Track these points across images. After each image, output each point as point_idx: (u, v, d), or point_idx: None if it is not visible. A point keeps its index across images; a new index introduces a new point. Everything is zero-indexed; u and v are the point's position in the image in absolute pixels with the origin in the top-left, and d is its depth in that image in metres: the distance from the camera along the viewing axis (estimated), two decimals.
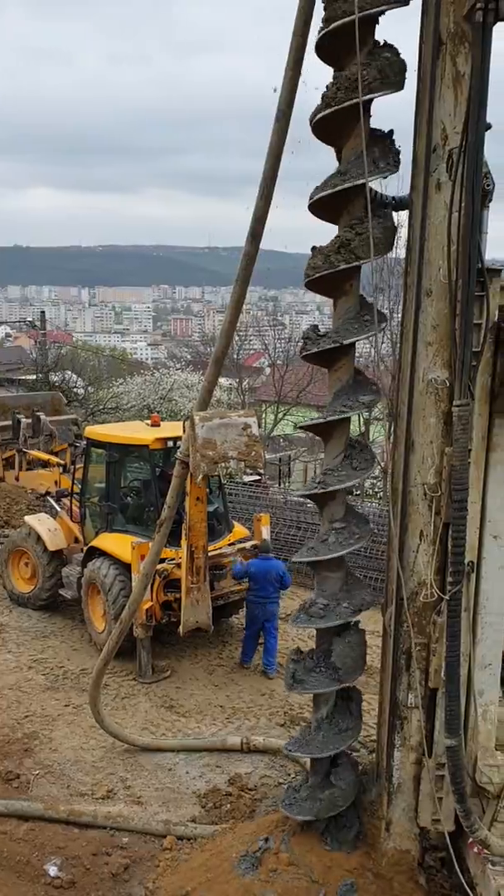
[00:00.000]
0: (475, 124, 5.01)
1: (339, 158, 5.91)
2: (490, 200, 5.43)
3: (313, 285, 5.98)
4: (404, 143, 5.68)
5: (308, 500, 20.49)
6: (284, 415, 32.41)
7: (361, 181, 5.51)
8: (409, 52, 5.45)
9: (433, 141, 5.35)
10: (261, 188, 6.41)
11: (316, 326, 6.19)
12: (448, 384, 5.55)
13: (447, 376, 5.55)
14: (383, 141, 5.66)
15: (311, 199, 5.78)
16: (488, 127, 5.15)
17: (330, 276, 5.76)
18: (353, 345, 5.95)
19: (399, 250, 22.98)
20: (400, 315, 6.12)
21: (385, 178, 5.68)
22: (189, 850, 7.41)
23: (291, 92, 6.18)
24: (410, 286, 5.67)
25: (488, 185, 5.34)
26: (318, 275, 5.77)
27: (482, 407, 5.56)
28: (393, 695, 6.06)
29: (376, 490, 24.25)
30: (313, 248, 5.84)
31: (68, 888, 7.03)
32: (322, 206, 5.86)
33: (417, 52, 5.49)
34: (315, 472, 30.61)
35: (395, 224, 5.88)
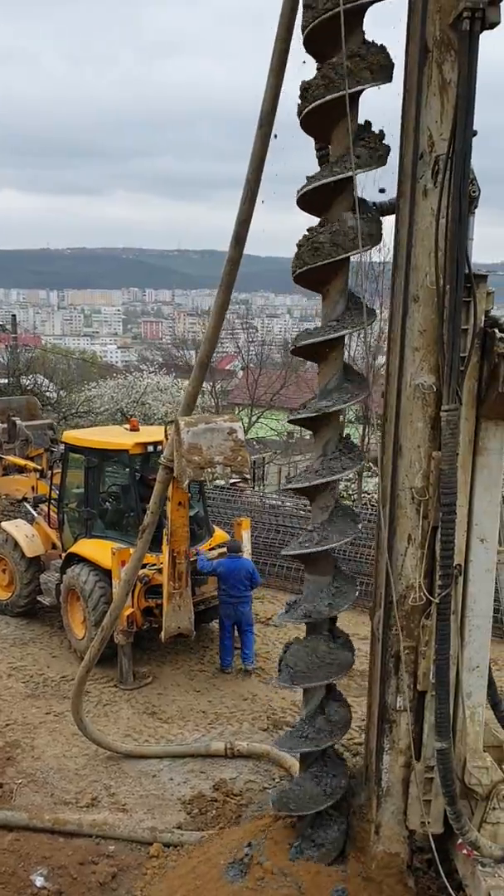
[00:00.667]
0: (462, 132, 5.04)
1: (319, 158, 5.92)
2: (476, 206, 5.47)
3: (301, 279, 5.94)
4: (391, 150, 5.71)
5: (284, 503, 20.55)
6: (258, 418, 32.46)
7: (349, 174, 5.49)
8: (396, 60, 5.49)
9: (420, 147, 5.38)
10: (244, 192, 6.41)
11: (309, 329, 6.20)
12: (435, 389, 5.58)
13: (434, 381, 5.58)
14: (372, 135, 5.65)
15: (298, 193, 5.78)
16: (474, 133, 5.19)
17: (317, 269, 5.73)
18: (342, 338, 5.94)
19: (373, 255, 23.21)
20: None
21: (372, 170, 5.63)
22: (176, 857, 7.38)
23: (274, 98, 6.19)
24: (397, 292, 5.70)
25: (474, 192, 5.38)
26: (327, 261, 5.72)
27: (469, 411, 5.61)
28: (381, 698, 6.08)
29: (350, 493, 24.36)
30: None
31: None
32: (309, 202, 5.86)
33: (404, 59, 5.53)
34: (289, 474, 30.70)
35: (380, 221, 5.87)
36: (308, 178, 5.76)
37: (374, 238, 5.75)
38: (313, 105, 5.51)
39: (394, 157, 5.71)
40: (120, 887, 7.11)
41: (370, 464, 25.79)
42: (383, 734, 6.07)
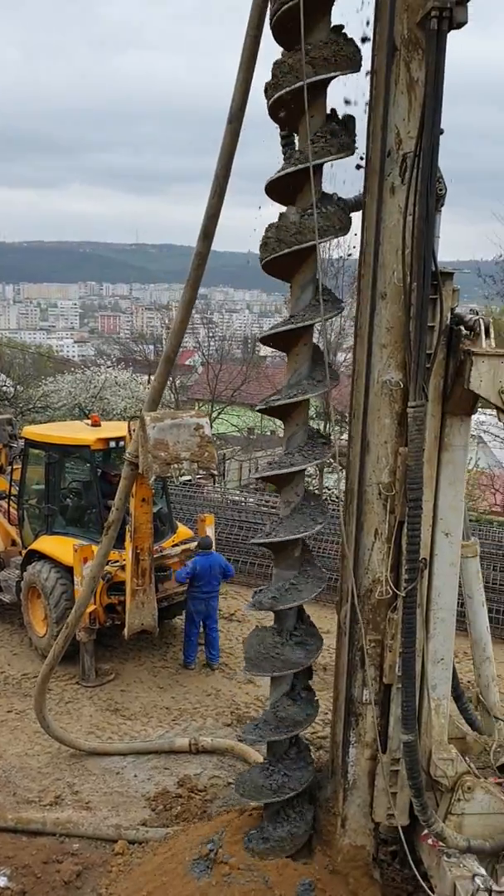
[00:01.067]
0: (430, 130, 5.09)
1: (284, 146, 5.91)
2: (442, 204, 5.53)
3: (269, 268, 5.93)
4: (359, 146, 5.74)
5: (246, 500, 20.57)
6: (219, 414, 32.40)
7: (308, 164, 5.50)
8: (363, 58, 5.51)
9: (387, 145, 5.41)
10: (213, 187, 6.38)
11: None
12: (402, 385, 5.64)
13: (401, 378, 5.63)
14: (340, 124, 5.66)
15: (267, 183, 5.78)
16: (441, 132, 5.24)
17: (289, 255, 5.73)
18: (310, 327, 5.95)
19: (334, 251, 23.29)
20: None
21: (338, 159, 5.63)
22: (141, 854, 7.35)
23: (244, 93, 6.17)
24: (365, 289, 5.73)
25: (441, 190, 5.43)
26: (271, 256, 5.73)
27: (435, 407, 5.67)
28: (348, 692, 6.12)
29: (311, 488, 24.45)
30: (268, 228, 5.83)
31: None
32: (277, 192, 5.87)
33: (371, 57, 5.55)
34: (250, 472, 30.72)
35: (343, 210, 5.86)
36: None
37: (336, 230, 5.73)
38: (278, 95, 5.51)
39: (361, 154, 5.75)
40: (85, 885, 7.06)
41: (331, 459, 25.99)
42: (349, 727, 6.12)
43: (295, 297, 6.00)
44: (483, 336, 5.42)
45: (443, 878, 5.57)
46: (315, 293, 5.91)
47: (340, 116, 5.73)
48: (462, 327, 5.56)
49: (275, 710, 6.41)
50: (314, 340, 6.20)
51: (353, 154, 5.65)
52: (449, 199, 5.80)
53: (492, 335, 5.43)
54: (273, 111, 5.74)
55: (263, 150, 6.10)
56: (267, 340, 6.21)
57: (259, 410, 6.32)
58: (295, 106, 5.55)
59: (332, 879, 6.14)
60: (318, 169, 5.65)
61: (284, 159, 5.75)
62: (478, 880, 5.22)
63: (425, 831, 5.70)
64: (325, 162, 5.62)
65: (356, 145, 5.67)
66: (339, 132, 5.60)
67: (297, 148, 5.78)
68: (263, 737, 6.37)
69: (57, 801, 8.32)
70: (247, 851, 6.29)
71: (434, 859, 5.79)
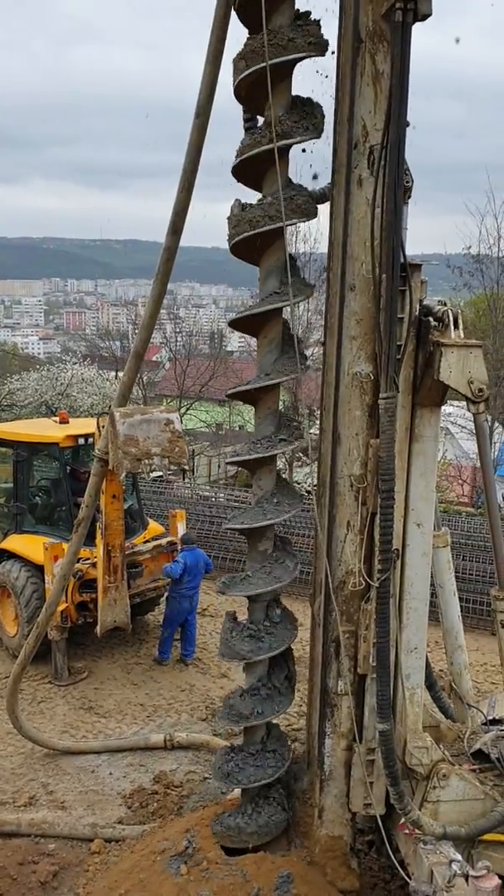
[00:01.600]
0: (396, 122, 5.10)
1: (246, 129, 5.87)
2: (410, 196, 5.55)
3: (237, 250, 5.90)
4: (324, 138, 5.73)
5: (217, 495, 20.54)
6: (187, 409, 32.32)
7: (271, 146, 5.46)
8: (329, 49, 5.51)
9: (354, 137, 5.41)
10: (181, 182, 6.34)
11: None
12: (372, 377, 5.65)
13: (371, 370, 5.65)
14: (306, 105, 5.63)
15: (233, 166, 5.76)
16: (407, 125, 5.25)
17: (253, 238, 5.70)
18: (279, 311, 5.91)
19: (300, 244, 23.31)
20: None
21: (305, 141, 5.58)
22: (118, 852, 7.32)
23: (210, 87, 6.13)
24: (334, 281, 5.73)
25: (408, 182, 5.45)
26: (240, 237, 5.70)
27: (405, 399, 5.70)
28: (323, 683, 6.14)
29: None
30: (235, 205, 5.79)
31: None
32: (243, 174, 5.84)
33: (336, 48, 5.55)
34: (219, 468, 30.68)
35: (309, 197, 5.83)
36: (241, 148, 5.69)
37: (301, 215, 5.68)
38: (242, 76, 5.48)
39: (328, 147, 5.75)
40: (62, 885, 7.02)
41: (300, 454, 26.03)
42: (325, 718, 6.14)
43: (262, 280, 5.96)
44: (452, 327, 5.46)
45: (420, 864, 5.62)
46: (282, 278, 5.86)
47: (309, 100, 5.69)
48: (431, 318, 5.60)
49: (230, 701, 6.41)
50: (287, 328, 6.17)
51: (318, 137, 5.61)
52: (415, 193, 5.83)
53: (460, 326, 5.47)
54: (238, 92, 5.69)
55: (231, 145, 6.06)
56: (236, 324, 6.17)
57: (228, 395, 6.28)
58: (259, 88, 5.49)
59: (309, 870, 6.16)
60: (284, 152, 5.59)
61: (246, 139, 5.67)
62: (454, 866, 5.26)
63: (402, 820, 5.74)
64: (291, 144, 5.56)
65: (321, 131, 5.62)
66: (303, 116, 5.55)
67: (260, 127, 5.71)
68: (217, 724, 6.32)
69: (31, 801, 8.25)
70: (214, 837, 6.27)
71: (411, 847, 5.84)
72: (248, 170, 5.79)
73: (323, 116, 5.65)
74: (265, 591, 6.14)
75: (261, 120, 5.84)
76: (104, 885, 6.77)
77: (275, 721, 6.62)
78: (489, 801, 5.86)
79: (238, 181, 5.88)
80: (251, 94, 5.68)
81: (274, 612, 6.39)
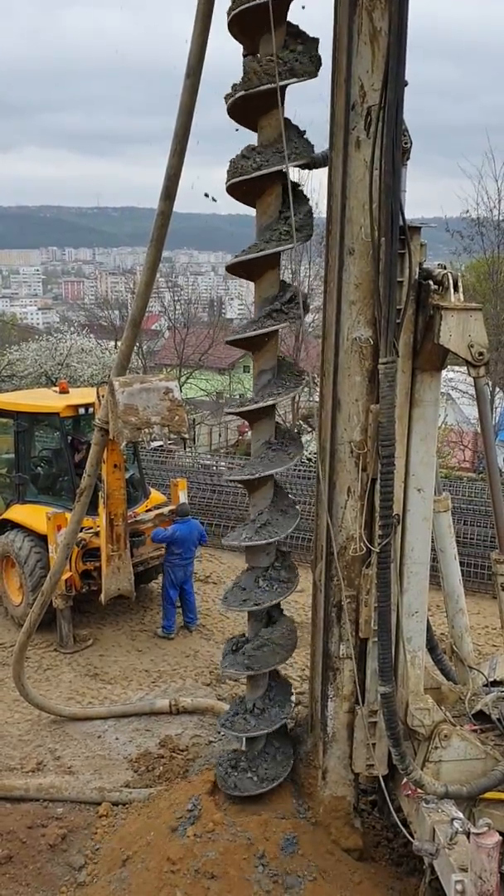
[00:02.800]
0: (394, 81, 5.02)
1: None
2: (408, 158, 5.48)
3: (234, 191, 5.82)
4: (321, 101, 5.64)
5: (218, 463, 20.56)
6: (187, 378, 32.25)
7: (274, 85, 5.36)
8: (326, 8, 5.40)
9: (351, 98, 5.33)
10: (173, 146, 6.26)
11: None
12: (372, 342, 5.62)
13: (371, 334, 5.62)
14: (302, 40, 5.52)
15: (226, 99, 5.63)
16: (405, 84, 5.17)
17: (251, 181, 5.63)
18: (276, 255, 5.85)
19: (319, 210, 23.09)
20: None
21: (303, 80, 5.48)
22: (125, 815, 7.45)
23: (201, 46, 6.02)
24: (332, 245, 5.68)
25: (406, 143, 5.38)
26: (238, 179, 5.63)
27: (405, 363, 5.67)
28: (325, 647, 6.20)
29: None
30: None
31: (5, 863, 6.96)
32: (240, 114, 5.74)
33: (333, 7, 5.43)
34: (220, 436, 30.66)
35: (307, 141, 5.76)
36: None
37: (300, 156, 5.63)
38: (239, 9, 5.37)
39: (326, 108, 5.66)
40: (71, 848, 7.14)
41: (300, 421, 26.02)
42: (327, 682, 6.21)
43: (259, 223, 5.88)
44: (452, 290, 5.42)
45: (422, 823, 5.72)
46: (277, 224, 5.78)
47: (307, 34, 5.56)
48: (431, 282, 5.55)
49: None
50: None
51: (315, 77, 5.50)
52: (413, 156, 5.75)
53: (460, 289, 5.43)
54: (232, 29, 5.57)
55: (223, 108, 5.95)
56: (233, 268, 6.10)
57: (227, 341, 6.22)
58: (253, 25, 5.39)
59: (314, 830, 6.27)
60: (281, 93, 5.47)
61: (243, 80, 5.54)
62: (456, 824, 5.35)
63: (404, 780, 5.82)
64: (290, 84, 5.46)
65: (319, 67, 5.51)
66: (300, 55, 5.44)
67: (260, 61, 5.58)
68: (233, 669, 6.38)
69: (39, 767, 8.37)
70: (219, 786, 6.40)
71: (413, 806, 5.94)
72: (244, 111, 5.67)
73: (319, 58, 5.52)
74: (291, 530, 6.19)
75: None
76: (112, 847, 6.90)
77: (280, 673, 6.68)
78: (490, 761, 5.94)
79: (235, 120, 5.77)
80: (245, 31, 5.54)
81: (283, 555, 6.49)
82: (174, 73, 6.01)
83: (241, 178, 5.62)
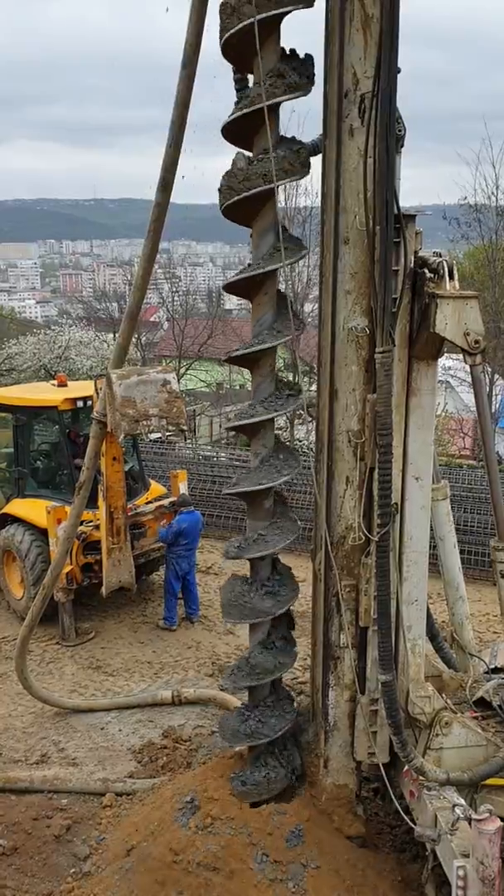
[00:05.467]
0: (387, 68, 4.99)
1: (238, 88, 5.72)
2: (402, 145, 5.45)
3: (229, 211, 5.79)
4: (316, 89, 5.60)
5: (218, 455, 20.56)
6: (187, 370, 32.19)
7: (264, 104, 5.32)
8: None
9: (344, 86, 5.31)
10: (170, 136, 6.25)
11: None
12: (368, 332, 5.61)
13: (367, 324, 5.60)
14: (295, 61, 5.50)
15: (223, 126, 5.63)
16: (398, 71, 5.14)
17: (244, 201, 5.60)
18: (274, 272, 5.84)
19: (301, 198, 22.97)
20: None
21: (296, 98, 5.47)
22: (129, 805, 7.49)
23: (196, 37, 6.00)
24: (327, 234, 5.66)
25: (400, 131, 5.34)
26: (233, 200, 5.60)
27: (402, 353, 5.66)
28: (325, 637, 6.21)
29: (283, 439, 24.48)
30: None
31: (11, 854, 7.00)
32: (233, 135, 5.72)
33: None
34: (221, 427, 30.62)
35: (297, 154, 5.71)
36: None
37: (287, 174, 5.58)
38: (230, 32, 5.34)
39: (318, 96, 5.63)
40: (75, 838, 7.19)
41: (301, 411, 26.01)
42: (328, 671, 6.22)
43: (255, 243, 5.89)
44: (447, 278, 5.41)
45: (424, 810, 5.74)
46: (276, 239, 5.80)
47: (300, 55, 5.56)
48: (426, 270, 5.54)
49: (247, 658, 6.46)
50: (281, 288, 6.10)
51: (307, 94, 5.50)
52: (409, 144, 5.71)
53: (456, 277, 5.41)
54: (225, 52, 5.57)
55: (221, 101, 5.92)
56: (230, 288, 6.12)
57: (224, 360, 6.23)
58: (245, 46, 5.38)
59: (317, 818, 6.29)
60: (273, 110, 5.49)
61: (237, 101, 5.58)
62: (458, 810, 5.37)
63: (406, 767, 5.84)
64: (278, 102, 5.44)
65: (312, 85, 5.51)
66: (290, 72, 5.42)
67: (250, 89, 5.61)
68: (236, 683, 6.41)
69: (43, 759, 8.42)
70: (230, 791, 6.38)
71: (415, 793, 5.96)
72: (239, 130, 5.67)
73: (313, 73, 5.51)
74: (282, 546, 6.14)
75: (251, 79, 5.71)
76: (117, 837, 6.93)
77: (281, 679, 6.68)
78: (491, 748, 5.96)
79: (229, 141, 5.76)
80: (238, 50, 5.54)
81: (277, 565, 6.45)
82: (163, 63, 5.98)
83: (240, 196, 5.57)
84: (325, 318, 5.82)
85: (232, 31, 5.34)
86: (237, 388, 35.95)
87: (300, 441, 22.45)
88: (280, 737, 6.43)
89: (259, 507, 6.29)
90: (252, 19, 5.18)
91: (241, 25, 5.26)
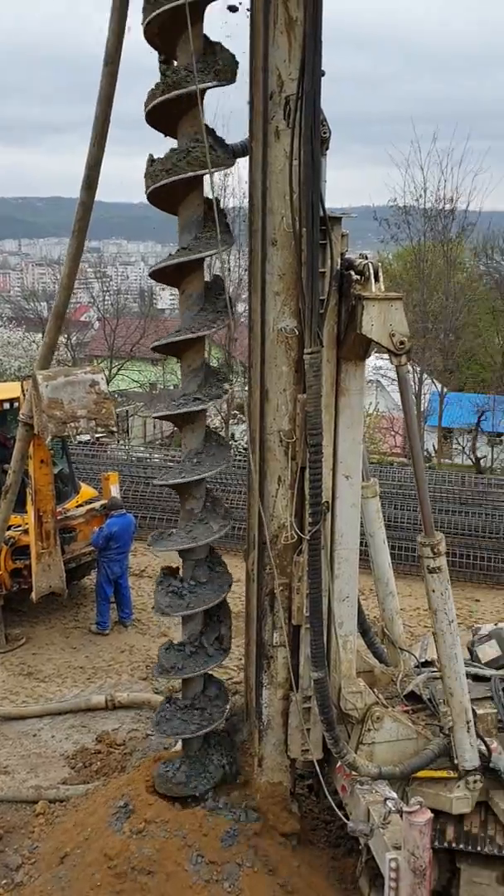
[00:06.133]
0: (311, 71, 5.04)
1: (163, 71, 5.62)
2: (328, 148, 5.50)
3: (155, 198, 5.75)
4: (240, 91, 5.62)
5: (152, 456, 20.42)
6: (119, 370, 31.91)
7: (192, 88, 5.29)
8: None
9: (269, 88, 5.34)
10: (93, 134, 6.19)
11: None
12: (297, 332, 5.65)
13: (296, 325, 5.65)
14: (219, 49, 5.49)
15: (146, 108, 5.55)
16: (322, 74, 5.19)
17: (172, 186, 5.56)
18: (201, 260, 5.82)
19: (229, 199, 22.98)
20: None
21: (222, 85, 5.47)
22: (63, 811, 7.37)
23: (118, 35, 5.96)
24: (255, 236, 5.69)
25: (325, 133, 5.40)
26: (160, 183, 5.55)
27: (330, 353, 5.73)
28: (259, 636, 6.23)
29: None
30: (150, 159, 5.62)
31: None
32: (158, 119, 5.67)
33: None
34: (154, 428, 30.42)
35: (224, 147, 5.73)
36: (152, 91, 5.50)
37: (218, 163, 5.56)
38: (153, 14, 5.30)
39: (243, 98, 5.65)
40: (7, 848, 7.03)
41: (236, 411, 26.03)
42: (262, 670, 6.25)
43: (181, 230, 5.84)
44: (373, 280, 5.48)
45: (357, 804, 5.81)
46: (203, 228, 5.76)
47: (220, 44, 5.54)
48: (352, 272, 5.61)
49: (159, 652, 6.42)
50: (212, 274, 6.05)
51: (233, 82, 5.49)
52: (337, 146, 5.77)
53: (381, 279, 5.50)
54: (148, 35, 5.50)
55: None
56: (156, 275, 6.05)
57: (153, 348, 6.16)
58: (170, 30, 5.35)
59: (252, 818, 6.28)
60: (202, 96, 5.42)
61: (162, 85, 5.47)
62: (389, 803, 5.46)
63: (339, 763, 5.91)
64: (208, 88, 5.41)
65: (235, 76, 5.49)
66: (216, 59, 5.41)
67: (176, 70, 5.52)
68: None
69: None
70: (156, 787, 6.33)
71: (348, 788, 6.03)
72: (163, 115, 5.61)
73: (236, 63, 5.50)
74: (181, 548, 6.11)
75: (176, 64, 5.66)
76: (49, 845, 6.82)
77: (214, 678, 6.66)
78: (422, 740, 6.07)
79: (153, 127, 5.70)
80: (162, 36, 5.50)
81: (201, 571, 6.31)
82: (82, 61, 5.90)
83: (169, 179, 5.51)
84: (255, 319, 5.84)
85: (160, 10, 5.25)
86: (171, 388, 35.79)
87: (236, 441, 22.47)
88: (213, 733, 6.42)
89: (183, 505, 6.24)
90: (181, 1, 5.11)
91: (171, 6, 5.19)
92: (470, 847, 5.73)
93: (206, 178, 5.58)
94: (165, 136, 5.74)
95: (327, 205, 5.43)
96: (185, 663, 6.24)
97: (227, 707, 6.47)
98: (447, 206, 25.15)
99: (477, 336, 30.87)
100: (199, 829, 5.99)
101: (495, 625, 7.99)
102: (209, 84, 5.40)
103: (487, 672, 6.76)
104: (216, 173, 5.64)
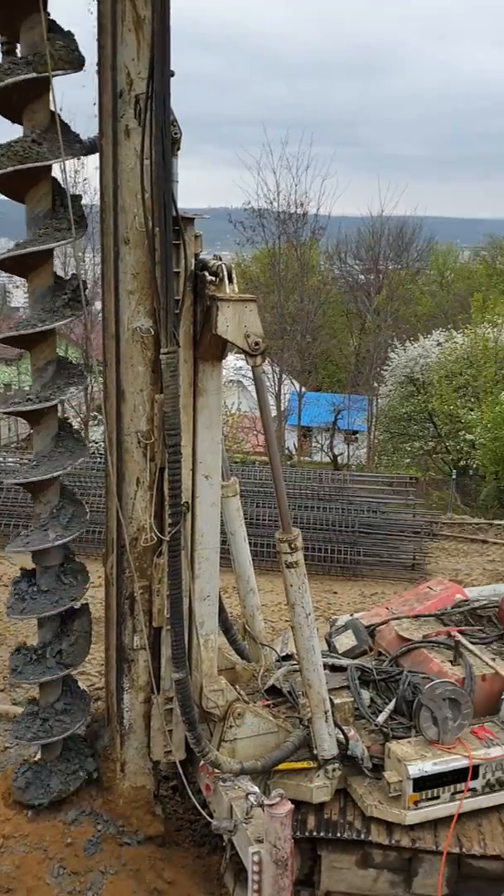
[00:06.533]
0: (160, 70, 5.03)
1: (5, 52, 5.48)
2: (178, 148, 5.49)
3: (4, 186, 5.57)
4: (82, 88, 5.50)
5: (6, 460, 19.73)
6: None
7: (50, 74, 5.16)
8: None
9: (119, 86, 5.27)
10: None
11: None
12: (153, 332, 5.62)
13: (151, 324, 5.62)
14: (66, 36, 5.35)
15: None
16: (171, 74, 5.18)
17: (19, 174, 5.37)
18: (49, 252, 5.67)
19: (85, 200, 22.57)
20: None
21: (70, 73, 5.33)
22: None
23: None
24: (107, 234, 5.61)
25: (176, 133, 5.39)
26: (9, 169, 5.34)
27: (187, 353, 5.74)
28: (119, 640, 6.16)
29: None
30: None
31: None
32: (4, 105, 5.48)
33: None
34: (10, 431, 29.41)
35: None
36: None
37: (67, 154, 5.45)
38: None
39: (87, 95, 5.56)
40: None
41: (95, 412, 25.61)
42: (122, 674, 6.18)
43: (28, 218, 5.66)
44: (227, 281, 5.53)
45: (220, 802, 5.85)
46: (51, 216, 5.61)
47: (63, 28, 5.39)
48: (206, 273, 5.64)
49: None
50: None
51: (81, 69, 5.37)
52: (191, 148, 5.78)
53: (235, 280, 5.55)
54: None
55: None
56: (2, 265, 5.88)
57: (1, 340, 5.94)
58: (12, 11, 5.19)
59: (115, 823, 6.19)
60: (48, 82, 5.29)
61: (4, 69, 5.28)
62: (251, 798, 5.51)
63: (201, 762, 5.93)
64: (58, 75, 5.27)
65: (83, 64, 5.39)
66: (64, 46, 5.27)
67: (21, 56, 5.34)
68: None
69: None
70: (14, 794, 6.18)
71: (211, 786, 6.06)
72: (8, 100, 5.41)
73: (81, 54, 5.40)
74: (13, 552, 5.95)
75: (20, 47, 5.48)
76: None
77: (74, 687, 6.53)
78: (282, 734, 6.18)
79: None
80: (3, 17, 5.32)
81: (47, 580, 6.11)
82: None
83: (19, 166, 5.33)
84: (109, 318, 5.76)
85: None
86: (26, 388, 34.74)
87: (96, 443, 22.08)
88: (71, 738, 6.28)
89: (40, 499, 6.06)
90: None
91: None
92: (330, 834, 5.88)
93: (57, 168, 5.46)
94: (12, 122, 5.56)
95: (184, 205, 5.44)
96: (24, 669, 6.12)
97: (85, 715, 6.35)
98: (298, 210, 25.77)
99: (332, 337, 31.84)
100: (61, 840, 5.86)
101: (351, 615, 8.28)
102: (58, 72, 5.23)
103: (344, 662, 6.99)
104: (68, 168, 5.53)
